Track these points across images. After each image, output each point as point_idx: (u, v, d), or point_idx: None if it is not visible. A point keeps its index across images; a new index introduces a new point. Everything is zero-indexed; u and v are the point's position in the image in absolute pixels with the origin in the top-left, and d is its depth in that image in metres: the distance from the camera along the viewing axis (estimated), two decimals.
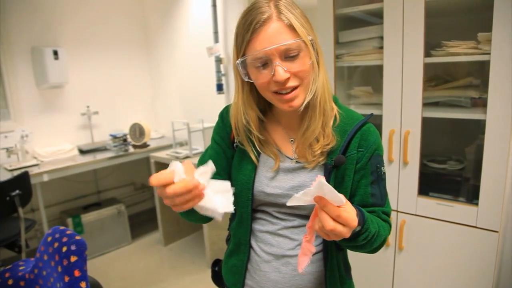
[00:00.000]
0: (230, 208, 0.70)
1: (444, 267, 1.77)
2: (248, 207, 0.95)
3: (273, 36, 0.79)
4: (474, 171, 1.76)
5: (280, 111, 0.95)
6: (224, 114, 1.03)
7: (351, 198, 0.92)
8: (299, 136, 0.92)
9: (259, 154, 0.95)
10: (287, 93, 0.83)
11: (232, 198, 0.71)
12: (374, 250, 0.92)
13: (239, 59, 0.85)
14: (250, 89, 0.91)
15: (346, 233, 0.70)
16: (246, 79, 0.87)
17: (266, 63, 0.82)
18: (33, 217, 3.10)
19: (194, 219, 0.95)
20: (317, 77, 0.86)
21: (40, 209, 2.88)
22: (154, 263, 3.13)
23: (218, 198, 0.70)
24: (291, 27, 0.80)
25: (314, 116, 0.88)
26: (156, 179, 0.64)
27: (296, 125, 0.95)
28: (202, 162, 1.01)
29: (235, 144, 0.98)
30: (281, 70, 0.80)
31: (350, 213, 0.71)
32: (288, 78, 0.81)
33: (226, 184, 0.71)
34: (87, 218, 3.22)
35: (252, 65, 0.84)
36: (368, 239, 0.82)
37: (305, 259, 0.73)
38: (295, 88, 0.83)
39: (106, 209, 3.33)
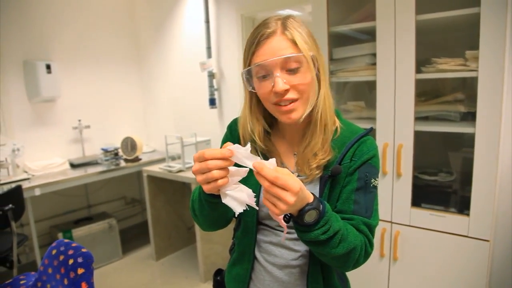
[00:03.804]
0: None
1: (437, 276, 1.81)
2: (254, 217, 0.98)
3: (275, 48, 0.84)
4: (464, 183, 1.82)
5: (284, 125, 0.99)
6: (233, 126, 1.07)
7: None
8: (300, 150, 0.95)
9: None
10: (285, 105, 0.87)
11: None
12: (344, 263, 0.86)
13: (244, 70, 0.91)
14: (257, 101, 0.96)
15: (288, 198, 0.69)
16: (250, 89, 0.92)
17: (268, 74, 0.86)
18: (22, 232, 3.04)
19: (212, 219, 0.96)
20: (317, 93, 0.91)
21: (30, 224, 2.83)
22: (146, 278, 3.09)
23: (244, 194, 0.78)
24: (293, 42, 0.85)
25: (315, 132, 0.92)
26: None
27: (298, 139, 0.98)
28: None
29: None
30: (281, 81, 0.84)
31: (289, 176, 0.70)
32: (287, 90, 0.86)
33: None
34: (78, 233, 3.18)
35: (255, 75, 0.89)
36: (329, 235, 0.78)
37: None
38: (294, 101, 0.87)
39: (97, 224, 3.30)
